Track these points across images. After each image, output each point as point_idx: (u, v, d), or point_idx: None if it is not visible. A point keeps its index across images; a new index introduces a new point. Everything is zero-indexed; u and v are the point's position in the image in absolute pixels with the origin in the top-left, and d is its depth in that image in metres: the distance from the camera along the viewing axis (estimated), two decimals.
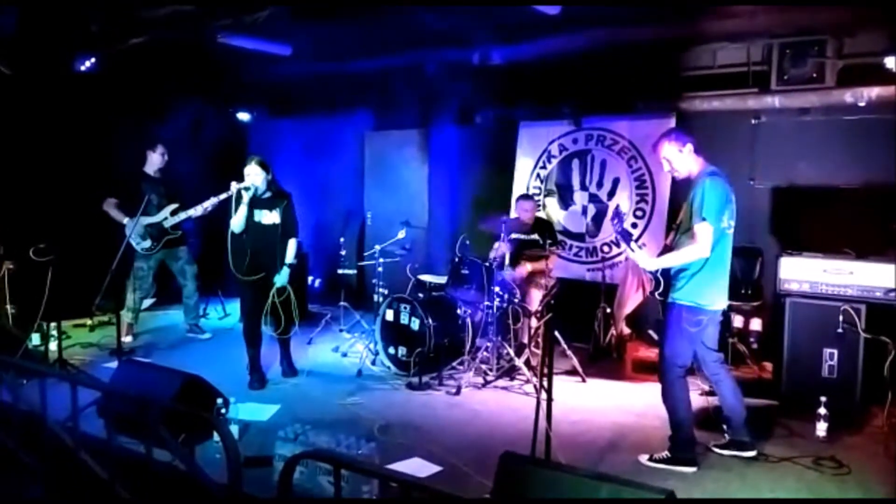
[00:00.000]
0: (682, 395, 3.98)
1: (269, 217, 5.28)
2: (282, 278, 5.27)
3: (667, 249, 4.05)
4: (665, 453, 4.01)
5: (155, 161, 6.51)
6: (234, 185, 5.32)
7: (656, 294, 4.03)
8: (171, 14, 5.65)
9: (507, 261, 5.92)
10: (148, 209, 6.09)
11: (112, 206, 6.38)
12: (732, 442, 4.12)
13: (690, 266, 3.85)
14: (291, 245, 5.34)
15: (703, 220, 3.75)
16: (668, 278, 3.96)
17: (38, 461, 3.40)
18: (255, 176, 5.17)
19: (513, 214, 6.92)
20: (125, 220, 6.28)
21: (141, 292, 6.61)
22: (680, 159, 3.96)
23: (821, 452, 4.14)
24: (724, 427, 4.16)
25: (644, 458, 4.05)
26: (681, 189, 6.25)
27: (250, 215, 5.21)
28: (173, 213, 6.40)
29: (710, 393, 4.82)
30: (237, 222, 5.17)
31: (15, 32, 5.92)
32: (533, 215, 6.48)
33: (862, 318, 4.68)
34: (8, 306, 6.16)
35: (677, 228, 4.04)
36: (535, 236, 6.17)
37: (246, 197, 5.13)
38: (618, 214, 4.16)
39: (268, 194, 5.30)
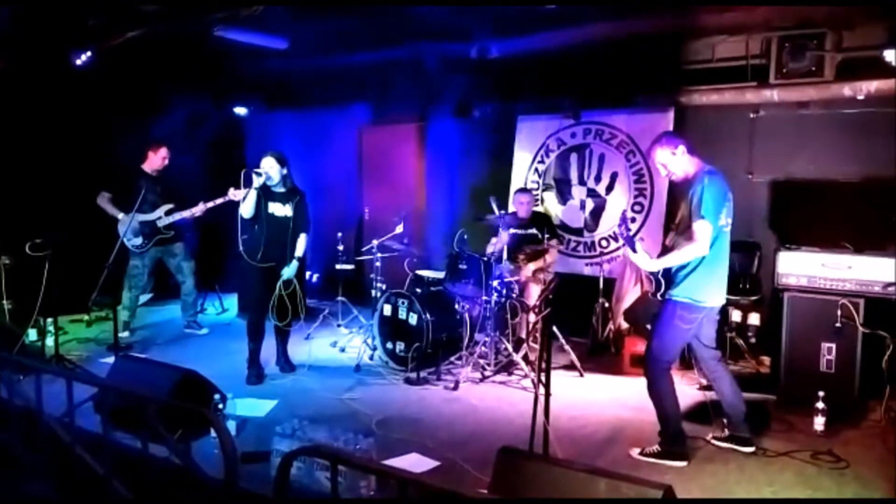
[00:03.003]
0: (667, 388, 3.99)
1: (282, 210, 5.36)
2: (290, 271, 5.32)
3: (666, 250, 4.04)
4: (655, 447, 4.01)
5: (155, 163, 6.48)
6: (231, 191, 5.36)
7: (658, 295, 4.02)
8: (167, 7, 5.62)
9: (504, 254, 5.90)
10: (143, 206, 6.06)
11: (106, 200, 6.35)
12: (732, 437, 4.13)
13: (688, 263, 3.84)
14: (302, 239, 5.40)
15: (702, 218, 3.74)
16: (667, 278, 3.94)
17: (36, 457, 3.39)
18: (269, 167, 5.26)
19: (510, 209, 6.91)
20: (119, 216, 6.26)
21: (136, 290, 6.58)
22: (675, 162, 3.94)
23: (819, 446, 4.15)
24: (725, 422, 4.17)
25: (635, 452, 4.06)
26: (679, 185, 6.29)
27: (264, 207, 5.29)
28: (168, 213, 6.38)
29: (708, 388, 4.82)
30: (247, 207, 5.24)
31: (10, 27, 5.89)
32: (530, 209, 6.47)
33: (860, 313, 4.67)
34: (4, 302, 6.15)
35: (676, 228, 4.02)
36: (534, 231, 6.16)
37: (257, 182, 5.17)
38: (624, 221, 4.14)
39: (282, 189, 5.38)
